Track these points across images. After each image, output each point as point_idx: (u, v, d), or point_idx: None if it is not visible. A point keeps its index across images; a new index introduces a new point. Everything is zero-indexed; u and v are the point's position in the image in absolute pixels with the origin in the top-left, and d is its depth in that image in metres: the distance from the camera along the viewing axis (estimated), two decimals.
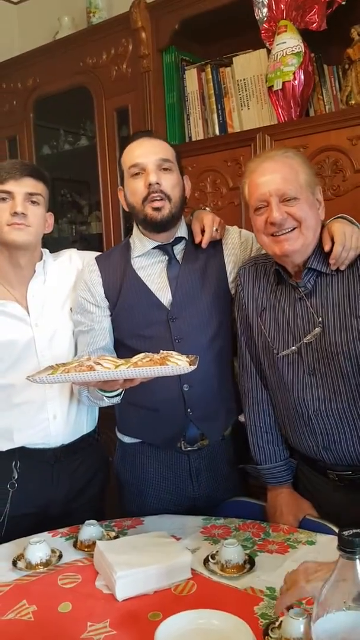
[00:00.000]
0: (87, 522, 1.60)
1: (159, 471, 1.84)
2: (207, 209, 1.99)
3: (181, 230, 1.82)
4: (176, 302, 1.76)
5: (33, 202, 1.76)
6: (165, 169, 1.72)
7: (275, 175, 1.52)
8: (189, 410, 1.77)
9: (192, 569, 1.42)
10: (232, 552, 1.42)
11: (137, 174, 1.72)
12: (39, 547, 1.49)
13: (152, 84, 2.56)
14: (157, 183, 1.69)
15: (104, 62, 2.71)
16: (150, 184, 1.69)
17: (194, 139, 2.56)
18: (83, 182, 3.41)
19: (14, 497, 1.80)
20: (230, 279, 1.82)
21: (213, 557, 1.46)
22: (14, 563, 1.50)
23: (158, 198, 1.69)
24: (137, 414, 1.82)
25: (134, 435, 1.88)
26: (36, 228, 1.78)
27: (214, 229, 1.80)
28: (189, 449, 1.81)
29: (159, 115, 2.58)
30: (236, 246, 1.85)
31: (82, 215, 3.41)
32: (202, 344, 1.75)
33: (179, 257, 1.81)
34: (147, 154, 1.72)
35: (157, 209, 1.70)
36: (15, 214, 1.71)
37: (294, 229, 1.52)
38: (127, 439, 1.90)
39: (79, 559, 1.53)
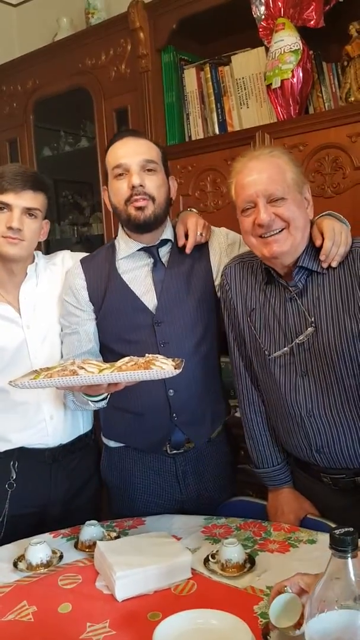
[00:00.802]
0: (87, 522, 1.60)
1: (145, 475, 1.83)
2: (193, 210, 1.94)
3: (167, 233, 1.79)
4: (161, 306, 1.74)
5: (30, 215, 1.75)
6: (149, 170, 1.69)
7: (261, 175, 1.49)
8: (174, 415, 1.75)
9: (192, 569, 1.41)
10: (232, 551, 1.41)
11: (120, 174, 1.69)
12: (39, 548, 1.49)
13: (151, 83, 2.56)
14: (141, 185, 1.66)
15: (102, 63, 2.71)
16: (133, 186, 1.66)
17: (193, 138, 2.55)
18: (84, 183, 3.41)
19: (12, 497, 1.81)
20: (216, 282, 1.79)
21: (213, 556, 1.46)
22: (15, 564, 1.50)
23: (141, 199, 1.66)
24: (122, 418, 1.81)
25: (118, 440, 1.87)
26: (30, 242, 1.77)
27: (199, 233, 1.77)
28: (174, 452, 1.80)
29: (158, 115, 2.57)
30: (223, 248, 1.82)
31: (83, 216, 3.42)
32: (187, 348, 1.73)
33: (164, 259, 1.78)
34: (131, 154, 1.68)
35: (140, 209, 1.67)
36: (10, 228, 1.71)
37: (282, 229, 1.49)
38: (112, 444, 1.88)
39: (80, 559, 1.53)
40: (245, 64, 2.38)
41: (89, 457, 1.96)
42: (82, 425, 1.93)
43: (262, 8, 2.22)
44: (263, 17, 2.23)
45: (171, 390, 1.73)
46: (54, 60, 2.90)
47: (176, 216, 1.88)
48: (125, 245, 1.78)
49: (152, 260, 1.77)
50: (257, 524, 1.66)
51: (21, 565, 1.50)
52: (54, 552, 1.53)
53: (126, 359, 1.47)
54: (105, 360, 1.63)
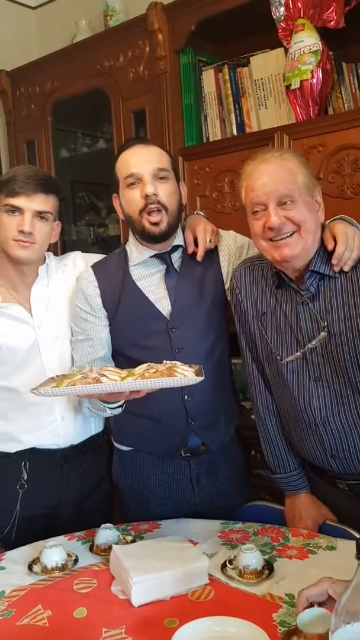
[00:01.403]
0: (103, 525, 1.59)
1: (158, 478, 1.83)
2: (201, 213, 1.93)
3: (178, 238, 1.79)
4: (176, 311, 1.74)
5: (42, 219, 1.75)
6: (161, 178, 1.68)
7: (272, 178, 1.47)
8: (190, 420, 1.75)
9: (209, 575, 1.40)
10: (250, 557, 1.39)
11: (132, 183, 1.68)
12: (54, 551, 1.49)
13: (169, 85, 2.55)
14: (154, 194, 1.66)
15: (121, 65, 2.70)
16: (147, 195, 1.65)
17: (211, 139, 2.53)
18: (101, 185, 3.40)
19: (24, 497, 1.81)
20: (227, 286, 1.79)
21: (231, 562, 1.44)
22: (30, 567, 1.50)
23: (155, 209, 1.66)
24: (136, 423, 1.80)
25: (132, 445, 1.86)
26: (41, 245, 1.78)
27: (207, 239, 1.77)
28: (188, 455, 1.79)
29: (176, 116, 2.56)
30: (232, 252, 1.81)
31: (100, 217, 3.41)
32: (202, 353, 1.73)
33: (176, 265, 1.79)
34: (143, 163, 1.68)
35: (155, 224, 1.67)
36: (21, 232, 1.71)
37: (293, 233, 1.47)
38: (124, 447, 1.88)
39: (95, 563, 1.52)
40: (264, 65, 2.36)
41: (101, 458, 1.95)
42: (94, 426, 1.92)
43: (282, 9, 2.20)
44: (282, 18, 2.21)
45: (187, 396, 1.73)
46: (72, 62, 2.90)
47: (184, 219, 1.86)
48: (138, 252, 1.78)
49: (164, 266, 1.78)
50: (275, 529, 1.64)
51: (36, 568, 1.49)
52: (69, 555, 1.53)
53: (144, 365, 1.46)
54: (119, 366, 1.62)
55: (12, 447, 1.83)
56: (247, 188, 1.52)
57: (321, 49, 2.12)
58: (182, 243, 1.79)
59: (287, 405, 1.64)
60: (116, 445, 1.90)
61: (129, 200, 1.70)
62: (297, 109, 2.20)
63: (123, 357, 1.78)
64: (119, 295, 1.76)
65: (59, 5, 3.46)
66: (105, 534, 1.57)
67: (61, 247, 3.08)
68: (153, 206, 1.66)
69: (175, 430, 1.76)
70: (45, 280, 1.85)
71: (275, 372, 1.63)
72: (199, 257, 1.75)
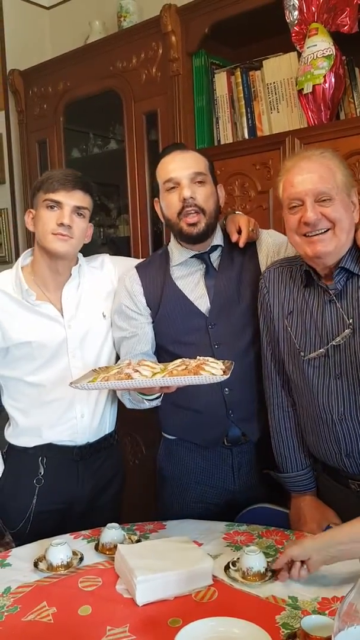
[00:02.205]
0: (109, 525, 1.61)
1: (201, 466, 1.89)
2: (240, 213, 1.99)
3: (217, 239, 1.85)
4: (214, 309, 1.80)
5: (79, 215, 1.79)
6: (199, 182, 1.75)
7: (312, 175, 1.50)
8: (230, 412, 1.81)
9: (213, 576, 1.40)
10: (253, 559, 1.40)
11: (172, 188, 1.76)
12: (60, 549, 1.50)
13: (182, 87, 2.56)
14: (192, 197, 1.73)
15: (133, 66, 2.72)
16: (184, 199, 1.72)
17: (222, 142, 2.54)
18: (112, 186, 3.42)
19: (40, 492, 1.84)
20: None
21: (234, 564, 1.45)
22: (36, 564, 1.51)
23: (192, 212, 1.73)
24: (180, 415, 1.87)
25: (177, 435, 1.92)
26: (78, 240, 1.82)
27: (251, 228, 1.83)
28: (230, 445, 1.85)
29: (188, 118, 2.57)
30: (270, 250, 1.86)
31: (110, 218, 3.43)
32: (240, 348, 1.79)
33: (215, 264, 1.85)
34: (180, 168, 1.76)
35: (193, 225, 1.74)
36: (61, 224, 1.75)
37: (327, 230, 1.50)
38: (170, 437, 1.94)
39: (100, 562, 1.53)
40: (276, 68, 2.37)
41: (113, 457, 1.99)
42: (108, 425, 1.96)
43: (296, 13, 2.21)
44: (296, 22, 2.21)
45: (226, 389, 1.79)
46: (85, 63, 2.91)
47: (223, 219, 1.92)
48: (178, 253, 1.86)
49: (204, 266, 1.85)
50: (280, 532, 1.64)
51: (41, 565, 1.50)
52: (74, 553, 1.54)
53: (178, 361, 1.54)
54: (162, 361, 1.71)
55: (30, 442, 1.87)
56: (286, 183, 1.55)
57: (334, 53, 2.13)
58: (220, 242, 1.86)
59: (305, 402, 1.66)
60: (164, 434, 1.97)
61: (168, 204, 1.78)
62: (309, 113, 2.20)
63: (165, 352, 1.85)
64: (160, 294, 1.84)
65: (73, 6, 3.47)
66: (111, 533, 1.58)
67: None
68: (190, 209, 1.73)
69: (216, 421, 1.82)
70: (77, 280, 1.89)
71: (297, 369, 1.66)
72: (242, 243, 1.81)
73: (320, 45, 2.13)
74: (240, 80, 2.46)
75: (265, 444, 1.87)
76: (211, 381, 1.45)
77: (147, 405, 1.74)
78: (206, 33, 2.47)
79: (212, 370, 1.45)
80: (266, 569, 1.41)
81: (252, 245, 1.86)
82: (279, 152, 2.29)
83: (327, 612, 1.25)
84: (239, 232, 1.83)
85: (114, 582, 1.42)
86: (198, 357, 1.54)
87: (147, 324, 1.86)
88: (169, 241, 1.93)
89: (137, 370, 1.50)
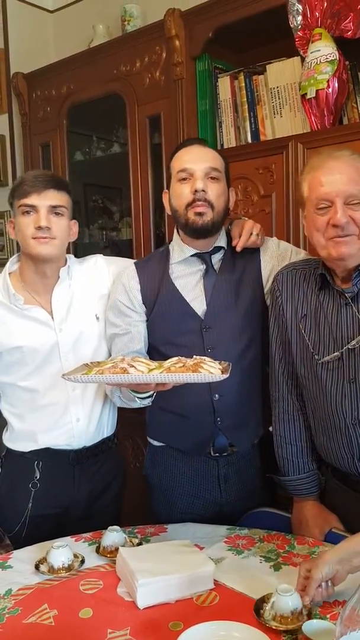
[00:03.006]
0: (110, 528, 1.60)
1: (187, 475, 1.85)
2: (245, 218, 1.96)
3: (221, 240, 1.82)
4: (210, 312, 1.77)
5: (57, 214, 1.77)
6: (212, 178, 1.73)
7: (342, 176, 1.47)
8: (218, 419, 1.77)
9: (214, 580, 1.40)
10: (287, 601, 1.24)
11: (184, 179, 1.73)
12: (61, 552, 1.50)
13: (185, 91, 2.57)
14: (203, 190, 1.70)
15: (137, 70, 2.73)
16: (196, 190, 1.70)
17: (225, 146, 2.55)
18: (114, 189, 3.43)
19: (35, 496, 1.83)
20: (266, 289, 1.81)
21: (264, 601, 1.30)
22: (37, 567, 1.51)
23: (201, 205, 1.70)
24: (166, 419, 1.83)
25: (162, 440, 1.89)
26: (61, 240, 1.79)
27: (254, 233, 1.80)
28: (217, 455, 1.81)
29: (191, 122, 2.58)
30: (274, 256, 1.84)
31: (112, 221, 3.44)
32: (234, 354, 1.74)
33: (216, 266, 1.81)
34: (196, 160, 1.73)
35: (200, 214, 1.71)
36: (39, 227, 1.73)
37: (352, 234, 1.48)
38: (156, 443, 1.91)
39: (101, 564, 1.53)
40: (280, 73, 2.38)
41: (112, 460, 1.97)
42: (107, 429, 1.94)
43: (299, 18, 2.21)
44: (300, 27, 2.22)
45: (216, 395, 1.76)
46: (89, 66, 2.92)
47: (229, 224, 1.90)
48: (179, 250, 1.82)
49: (204, 266, 1.81)
50: (281, 536, 1.64)
51: (43, 567, 1.50)
52: (75, 556, 1.54)
53: (174, 359, 1.49)
54: None
55: (26, 447, 1.86)
56: (314, 181, 1.51)
57: (338, 58, 2.13)
58: (224, 245, 1.83)
59: (317, 407, 1.65)
60: (149, 440, 1.93)
61: (178, 194, 1.74)
62: (312, 118, 2.21)
63: (157, 353, 1.82)
64: (157, 292, 1.81)
65: (77, 10, 3.49)
66: (112, 536, 1.58)
67: (73, 250, 3.09)
68: (200, 202, 1.70)
69: (203, 427, 1.78)
70: (66, 281, 1.87)
71: (310, 373, 1.65)
72: (239, 247, 1.78)
73: (323, 50, 2.14)
74: (243, 84, 2.46)
75: (256, 454, 1.86)
76: (210, 380, 1.42)
77: (138, 404, 1.69)
78: (210, 37, 2.48)
79: (211, 370, 1.42)
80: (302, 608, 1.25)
81: (256, 252, 1.83)
82: (281, 157, 2.30)
83: (328, 616, 1.25)
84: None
85: (115, 585, 1.42)
86: (195, 356, 1.50)
87: (140, 322, 1.82)
88: (170, 240, 1.90)
89: (132, 366, 1.46)
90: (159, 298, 1.80)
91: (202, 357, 1.48)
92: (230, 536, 1.66)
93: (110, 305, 1.87)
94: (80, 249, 3.14)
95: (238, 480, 1.84)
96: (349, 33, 2.11)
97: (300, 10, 2.20)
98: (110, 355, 1.87)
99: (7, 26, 3.41)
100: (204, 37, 2.49)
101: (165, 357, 1.63)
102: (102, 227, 3.40)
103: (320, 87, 2.14)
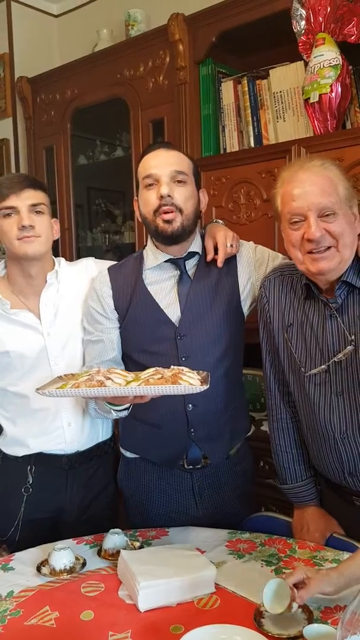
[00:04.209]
0: (111, 530, 1.60)
1: (161, 488, 1.81)
2: (220, 221, 1.93)
3: (195, 245, 1.78)
4: (185, 319, 1.72)
5: (38, 212, 1.77)
6: (179, 181, 1.68)
7: (313, 188, 1.43)
8: (191, 430, 1.74)
9: (215, 584, 1.40)
10: None
11: (150, 184, 1.69)
12: (63, 554, 1.50)
13: (188, 95, 2.58)
14: (169, 195, 1.66)
15: (141, 74, 2.74)
16: (162, 196, 1.66)
17: (228, 150, 2.55)
18: (118, 192, 3.44)
19: (28, 501, 1.83)
20: (242, 296, 1.78)
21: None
22: (38, 569, 1.51)
23: (169, 211, 1.66)
24: (139, 429, 1.80)
25: (134, 451, 1.86)
26: (46, 237, 1.79)
27: (229, 244, 1.75)
28: (191, 467, 1.78)
29: (194, 126, 2.59)
30: (251, 263, 1.80)
31: (115, 224, 3.44)
32: (209, 363, 1.70)
33: (191, 272, 1.77)
34: (161, 165, 1.69)
35: (168, 222, 1.67)
36: (23, 227, 1.73)
37: (329, 247, 1.44)
38: (129, 454, 1.87)
39: (103, 567, 1.53)
40: (283, 77, 2.38)
41: (107, 465, 1.96)
42: (101, 433, 1.93)
43: (303, 23, 2.22)
44: (303, 31, 2.23)
45: (190, 405, 1.72)
46: (93, 71, 2.94)
47: (203, 228, 1.86)
48: (153, 256, 1.78)
49: (178, 272, 1.77)
50: (282, 540, 1.64)
51: (44, 570, 1.51)
52: (77, 558, 1.54)
53: (151, 370, 1.46)
54: (127, 369, 1.63)
55: (19, 451, 1.86)
56: (286, 196, 1.48)
57: (341, 63, 2.14)
58: (198, 250, 1.78)
59: (307, 419, 1.62)
60: (122, 451, 1.90)
61: (145, 201, 1.71)
62: (315, 122, 2.21)
63: (130, 361, 1.79)
64: (129, 298, 1.76)
65: (81, 14, 3.51)
66: (114, 539, 1.58)
67: (76, 254, 3.11)
68: (167, 207, 1.66)
69: (175, 438, 1.74)
70: (55, 286, 1.86)
71: (298, 385, 1.62)
72: (220, 263, 1.73)
73: (327, 55, 2.14)
74: (246, 88, 2.47)
75: (232, 465, 1.83)
76: (191, 391, 1.38)
77: (114, 415, 1.67)
78: (213, 42, 2.49)
79: (190, 381, 1.38)
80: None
81: (232, 258, 1.78)
82: (285, 161, 2.29)
83: (329, 621, 1.25)
84: (216, 248, 1.75)
85: (116, 587, 1.42)
86: (172, 366, 1.47)
87: (113, 329, 1.78)
88: (144, 246, 1.85)
89: (108, 378, 1.42)
90: (132, 304, 1.76)
91: (180, 367, 1.45)
92: (231, 540, 1.65)
93: (84, 311, 1.84)
94: (83, 253, 3.15)
95: (213, 493, 1.81)
96: (353, 38, 2.12)
97: (303, 15, 2.21)
98: (84, 361, 1.85)
99: (12, 30, 3.43)
100: (207, 41, 2.50)
101: (139, 365, 1.60)
102: (105, 230, 3.41)
103: (323, 91, 2.14)
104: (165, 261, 1.76)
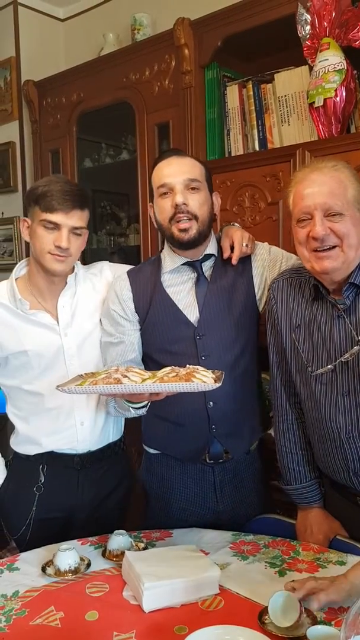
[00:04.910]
0: (116, 531, 1.61)
1: (183, 482, 1.85)
2: (236, 224, 1.97)
3: (210, 247, 1.82)
4: (203, 319, 1.77)
5: (77, 234, 1.78)
6: (193, 189, 1.72)
7: (322, 188, 1.47)
8: (213, 426, 1.77)
9: (219, 585, 1.41)
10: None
11: (165, 193, 1.73)
12: (68, 555, 1.51)
13: (194, 99, 2.59)
14: (184, 204, 1.70)
15: (146, 78, 2.75)
16: (177, 205, 1.70)
17: (233, 154, 2.56)
18: (123, 195, 3.45)
19: (40, 500, 1.84)
20: (258, 296, 1.82)
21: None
22: (43, 569, 1.52)
23: (185, 218, 1.70)
24: (162, 427, 1.84)
25: (158, 448, 1.90)
26: (75, 256, 1.81)
27: (244, 244, 1.80)
28: (212, 462, 1.81)
29: (199, 130, 2.60)
30: (265, 263, 1.84)
31: (120, 227, 3.46)
32: (228, 361, 1.75)
33: (207, 274, 1.82)
34: (175, 173, 1.73)
35: (184, 230, 1.71)
36: (59, 247, 1.74)
37: (334, 247, 1.47)
38: (152, 450, 1.91)
39: (107, 568, 1.54)
40: (288, 82, 2.39)
41: (118, 465, 1.98)
42: (112, 433, 1.95)
43: (308, 27, 2.23)
44: (308, 36, 2.23)
45: (210, 402, 1.76)
46: (98, 74, 2.95)
47: (219, 231, 1.90)
48: (170, 260, 1.83)
49: (195, 274, 1.81)
50: (286, 542, 1.64)
51: (49, 570, 1.52)
52: (82, 559, 1.55)
53: (167, 369, 1.50)
54: (147, 369, 1.67)
55: (31, 450, 1.87)
56: (296, 195, 1.52)
57: (345, 67, 2.15)
58: (214, 252, 1.83)
59: (313, 419, 1.64)
60: (145, 447, 1.94)
61: (161, 209, 1.75)
62: (320, 126, 2.22)
63: (151, 361, 1.83)
64: (149, 301, 1.81)
65: (87, 18, 3.53)
66: (118, 540, 1.59)
67: (81, 255, 3.11)
68: (182, 215, 1.70)
69: (198, 435, 1.79)
70: (73, 288, 1.88)
71: (305, 384, 1.64)
72: (234, 261, 1.78)
73: (331, 59, 2.15)
74: (251, 92, 2.48)
75: (252, 460, 1.86)
76: (203, 389, 1.43)
77: (133, 413, 1.71)
78: (219, 46, 2.50)
79: (203, 379, 1.43)
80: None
81: (247, 259, 1.83)
82: (289, 165, 2.31)
83: (333, 622, 1.26)
84: (232, 247, 1.80)
85: (120, 588, 1.43)
86: (188, 365, 1.51)
87: (134, 330, 1.83)
88: (162, 250, 1.90)
89: (126, 376, 1.47)
90: (152, 306, 1.80)
91: (195, 367, 1.49)
92: (235, 542, 1.66)
93: (104, 313, 1.88)
94: (88, 255, 3.16)
95: (234, 488, 1.84)
96: (357, 42, 2.12)
97: (308, 20, 2.22)
98: (104, 362, 1.88)
99: (19, 34, 3.46)
100: (213, 46, 2.51)
101: (159, 365, 1.64)
102: (110, 233, 3.42)
103: (328, 95, 2.15)
104: (183, 264, 1.81)
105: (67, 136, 3.14)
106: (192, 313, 1.78)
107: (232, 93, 2.55)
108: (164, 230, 1.77)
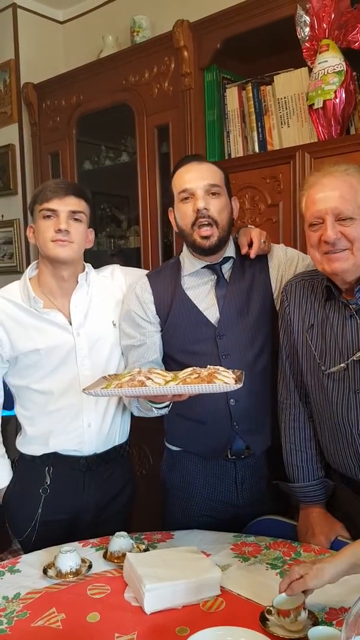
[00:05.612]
0: (117, 533, 1.61)
1: (205, 478, 1.88)
2: (251, 226, 2.01)
3: (229, 250, 1.86)
4: (223, 319, 1.81)
5: (76, 220, 1.81)
6: (213, 194, 1.76)
7: (333, 193, 1.50)
8: (235, 424, 1.80)
9: (221, 586, 1.41)
10: None
11: (186, 198, 1.77)
12: (69, 556, 1.51)
13: (193, 101, 2.59)
14: (206, 208, 1.74)
15: (146, 80, 2.76)
16: (198, 210, 1.74)
17: (233, 156, 2.57)
18: (123, 197, 3.46)
19: (45, 502, 1.85)
20: (275, 295, 1.85)
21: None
22: (45, 571, 1.52)
23: (206, 223, 1.74)
24: (184, 425, 1.87)
25: (180, 445, 1.93)
26: (79, 244, 1.83)
27: (262, 240, 1.84)
28: (234, 457, 1.84)
29: (199, 132, 2.60)
30: (282, 263, 1.87)
31: (120, 229, 3.46)
32: (248, 360, 1.79)
33: (226, 275, 1.86)
34: (196, 179, 1.76)
35: (206, 238, 1.75)
36: (59, 230, 1.78)
37: (345, 249, 1.50)
38: (174, 448, 1.94)
39: (109, 570, 1.54)
40: (287, 83, 2.40)
41: (123, 468, 1.98)
42: (118, 436, 1.95)
43: (307, 29, 2.24)
44: (307, 38, 2.24)
45: (232, 400, 1.79)
46: (98, 77, 2.96)
47: (236, 233, 1.93)
48: (190, 263, 1.87)
49: (215, 277, 1.85)
50: (287, 544, 1.65)
51: (51, 572, 1.52)
52: (83, 561, 1.55)
53: (188, 370, 1.53)
54: (168, 369, 1.71)
55: (37, 450, 1.88)
56: (308, 200, 1.55)
57: (345, 69, 2.15)
58: (233, 254, 1.86)
59: (325, 417, 1.66)
60: (167, 445, 1.97)
61: (182, 214, 1.79)
62: (319, 128, 2.23)
63: (172, 361, 1.86)
64: (170, 303, 1.85)
65: (87, 21, 3.53)
66: (119, 541, 1.59)
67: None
68: (204, 220, 1.74)
69: (220, 432, 1.82)
70: (85, 288, 1.90)
71: (317, 383, 1.66)
72: (253, 255, 1.82)
73: (331, 61, 2.16)
74: (251, 94, 2.49)
75: (269, 457, 1.88)
76: (225, 390, 1.46)
77: (155, 413, 1.74)
78: (218, 48, 2.51)
79: (225, 379, 1.46)
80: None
81: (263, 259, 1.87)
82: (289, 166, 2.32)
83: (334, 622, 1.26)
84: (250, 244, 1.84)
85: (122, 590, 1.43)
86: (208, 365, 1.55)
87: (155, 332, 1.86)
88: (180, 252, 1.94)
89: (149, 378, 1.50)
90: (173, 308, 1.84)
91: (216, 367, 1.52)
92: (236, 543, 1.66)
93: (124, 316, 1.90)
94: (87, 257, 3.14)
95: (253, 483, 1.87)
96: (357, 44, 2.13)
97: (307, 22, 2.23)
98: (124, 363, 1.91)
99: (18, 37, 3.47)
100: (212, 48, 2.52)
101: (181, 365, 1.68)
102: (110, 235, 3.43)
103: (327, 97, 2.16)
104: (202, 267, 1.84)
105: (67, 138, 3.14)
106: (212, 314, 1.82)
107: (232, 95, 2.56)
108: (185, 236, 1.81)
